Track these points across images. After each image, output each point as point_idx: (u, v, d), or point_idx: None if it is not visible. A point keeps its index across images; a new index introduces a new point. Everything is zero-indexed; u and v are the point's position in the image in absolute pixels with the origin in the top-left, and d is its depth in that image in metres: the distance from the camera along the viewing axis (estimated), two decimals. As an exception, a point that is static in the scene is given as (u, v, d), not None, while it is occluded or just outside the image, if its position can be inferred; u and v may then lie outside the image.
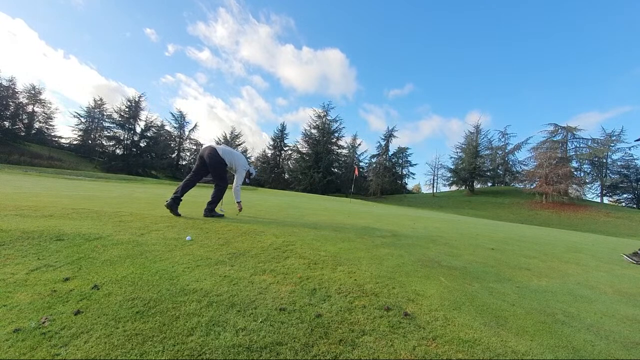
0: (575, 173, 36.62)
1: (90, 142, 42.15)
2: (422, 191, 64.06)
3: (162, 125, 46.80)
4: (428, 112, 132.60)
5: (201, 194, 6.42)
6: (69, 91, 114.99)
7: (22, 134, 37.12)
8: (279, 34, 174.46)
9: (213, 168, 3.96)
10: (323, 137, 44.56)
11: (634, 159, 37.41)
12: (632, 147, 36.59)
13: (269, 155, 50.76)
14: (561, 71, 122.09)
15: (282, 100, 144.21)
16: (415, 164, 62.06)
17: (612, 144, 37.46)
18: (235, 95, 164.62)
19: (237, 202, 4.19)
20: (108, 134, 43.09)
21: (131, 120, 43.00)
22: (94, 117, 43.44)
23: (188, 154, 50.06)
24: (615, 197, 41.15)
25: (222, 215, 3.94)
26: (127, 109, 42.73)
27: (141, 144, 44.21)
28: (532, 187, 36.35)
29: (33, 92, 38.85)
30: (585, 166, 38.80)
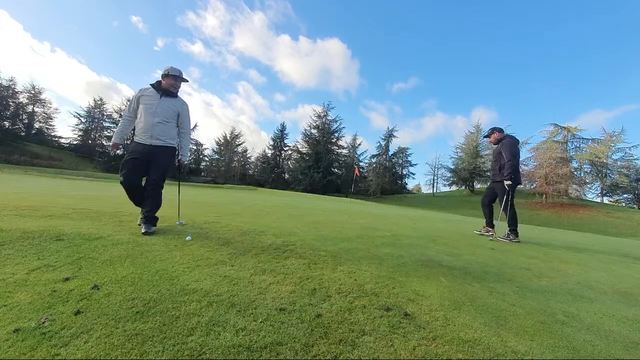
0: (575, 173, 36.62)
1: (90, 142, 42.16)
2: (422, 191, 64.11)
3: (162, 125, 46.75)
4: (432, 109, 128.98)
5: (202, 194, 6.41)
6: (62, 89, 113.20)
7: (22, 134, 37.15)
8: (275, 21, 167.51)
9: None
10: (323, 137, 44.52)
11: (634, 159, 37.41)
12: (632, 147, 36.62)
13: (269, 155, 50.72)
14: (566, 69, 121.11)
15: (281, 97, 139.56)
16: (415, 164, 61.94)
17: (612, 144, 37.44)
18: (231, 92, 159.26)
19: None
20: (108, 134, 43.09)
21: (131, 120, 42.98)
22: (93, 117, 43.47)
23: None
24: (615, 197, 41.12)
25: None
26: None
27: (141, 144, 44.17)
28: (532, 187, 36.33)
29: (33, 92, 38.89)
30: (585, 166, 38.73)
